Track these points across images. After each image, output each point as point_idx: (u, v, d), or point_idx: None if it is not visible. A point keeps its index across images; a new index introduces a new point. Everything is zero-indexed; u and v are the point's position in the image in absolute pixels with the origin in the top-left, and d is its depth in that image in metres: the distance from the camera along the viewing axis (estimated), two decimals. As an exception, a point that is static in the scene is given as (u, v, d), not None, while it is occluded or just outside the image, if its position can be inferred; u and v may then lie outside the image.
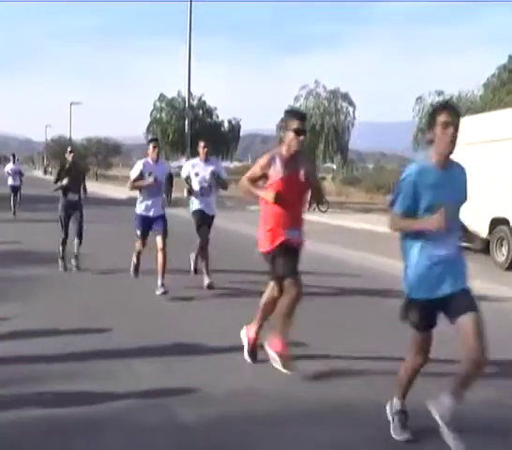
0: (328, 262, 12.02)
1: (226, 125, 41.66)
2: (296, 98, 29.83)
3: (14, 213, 20.26)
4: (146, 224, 8.62)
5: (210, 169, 8.83)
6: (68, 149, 10.97)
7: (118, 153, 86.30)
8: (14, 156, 23.21)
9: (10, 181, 21.51)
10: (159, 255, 8.35)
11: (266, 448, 3.84)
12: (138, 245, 8.90)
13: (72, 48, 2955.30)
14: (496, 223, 11.58)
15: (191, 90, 36.89)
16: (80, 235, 10.58)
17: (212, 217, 9.14)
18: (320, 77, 36.49)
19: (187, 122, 36.00)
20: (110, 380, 4.91)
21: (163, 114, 39.71)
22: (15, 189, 21.21)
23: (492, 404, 4.58)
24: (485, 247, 12.17)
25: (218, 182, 8.92)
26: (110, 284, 9.13)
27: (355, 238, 16.08)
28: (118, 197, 34.16)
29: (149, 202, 8.56)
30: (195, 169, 8.91)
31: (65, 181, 10.17)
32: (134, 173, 8.57)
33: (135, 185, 8.58)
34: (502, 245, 11.48)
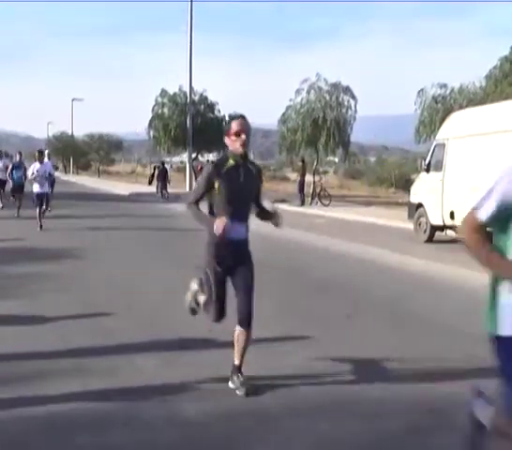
0: (329, 254, 12.03)
1: (227, 120, 41.60)
2: (298, 92, 29.60)
3: (40, 227, 15.34)
4: None
5: None
6: (235, 127, 5.07)
7: (120, 149, 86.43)
8: (41, 152, 16.40)
9: (36, 188, 15.69)
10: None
11: (269, 441, 3.85)
12: None
13: (73, 44, 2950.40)
14: None
15: (193, 85, 36.95)
16: (248, 317, 4.73)
17: None
18: (321, 71, 36.44)
19: (188, 117, 36.02)
20: (113, 375, 4.92)
21: (165, 110, 39.66)
22: (41, 197, 15.63)
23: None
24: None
25: None
26: (112, 280, 9.14)
27: (357, 231, 16.07)
28: (121, 193, 34.24)
29: None
30: None
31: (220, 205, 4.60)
32: None
33: None
34: None
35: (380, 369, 5.17)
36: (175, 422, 4.07)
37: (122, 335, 6.10)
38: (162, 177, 30.49)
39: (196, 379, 4.85)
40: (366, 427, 4.04)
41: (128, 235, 14.72)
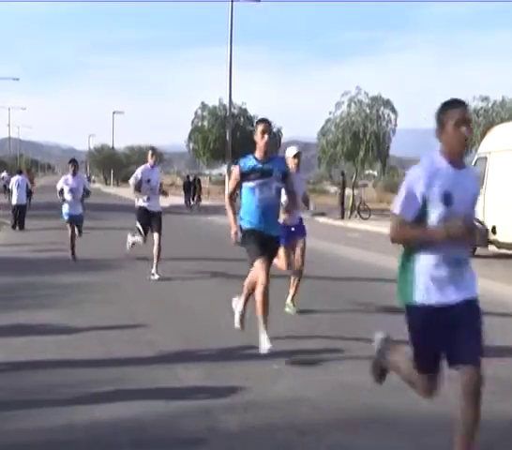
0: (370, 269, 11.95)
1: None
2: (338, 105, 29.53)
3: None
4: None
5: None
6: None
7: (160, 161, 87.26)
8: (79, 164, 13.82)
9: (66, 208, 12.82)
10: None
11: (311, 456, 3.84)
12: None
13: (114, 58, 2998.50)
14: None
15: (232, 98, 37.22)
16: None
17: None
18: (361, 83, 36.32)
19: (228, 130, 36.25)
20: (155, 386, 4.95)
21: (205, 123, 40.01)
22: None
23: None
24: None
25: None
26: (154, 292, 9.21)
27: (396, 245, 15.91)
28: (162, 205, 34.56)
29: None
30: None
31: None
32: None
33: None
34: None
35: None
36: (216, 434, 4.07)
37: (164, 346, 6.13)
38: (187, 190, 33.53)
39: (238, 391, 4.85)
40: (410, 444, 3.99)
41: (167, 247, 14.81)
